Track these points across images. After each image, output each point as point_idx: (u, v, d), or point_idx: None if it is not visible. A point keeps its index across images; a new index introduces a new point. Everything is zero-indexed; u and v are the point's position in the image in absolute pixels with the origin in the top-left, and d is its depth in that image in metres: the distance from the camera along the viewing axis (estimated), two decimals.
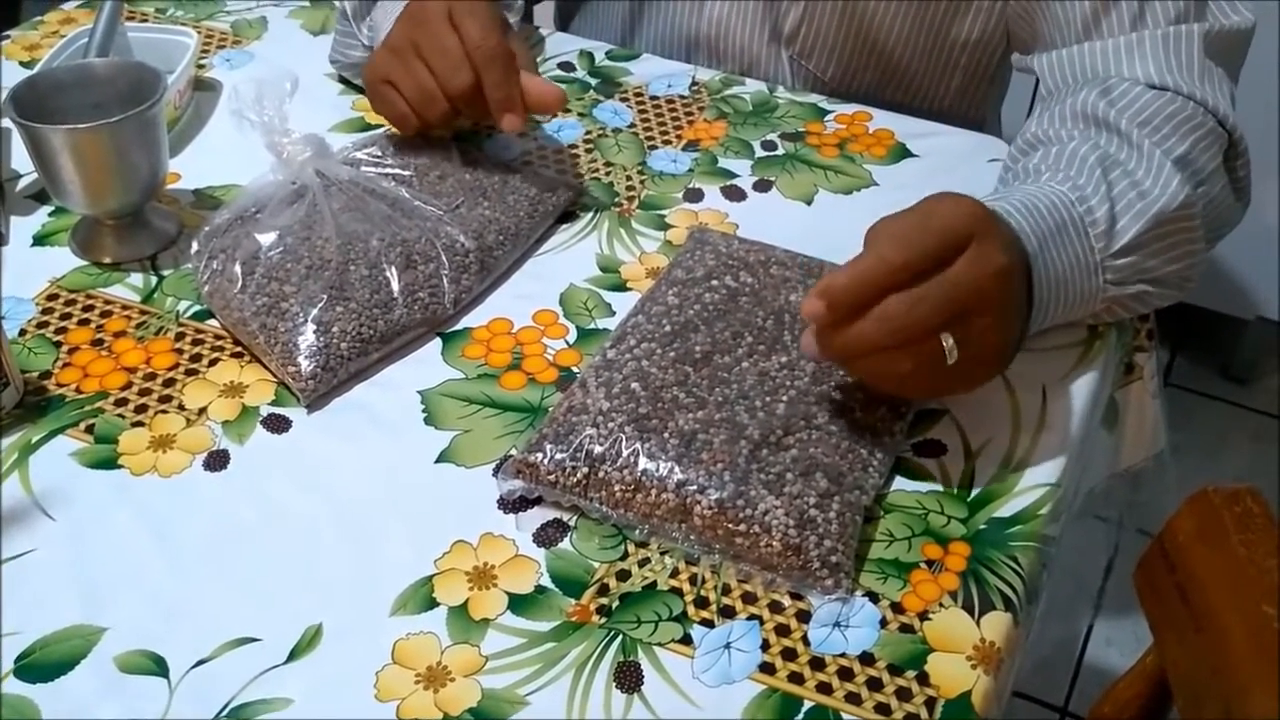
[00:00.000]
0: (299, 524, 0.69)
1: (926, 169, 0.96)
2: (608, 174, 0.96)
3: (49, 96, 0.83)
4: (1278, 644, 0.59)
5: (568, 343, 0.81)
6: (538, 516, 0.70)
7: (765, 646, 0.63)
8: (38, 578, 0.66)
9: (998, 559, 0.68)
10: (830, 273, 0.65)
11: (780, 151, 0.98)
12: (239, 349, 0.79)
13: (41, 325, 0.81)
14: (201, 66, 1.07)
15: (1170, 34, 0.86)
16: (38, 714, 0.60)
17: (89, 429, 0.74)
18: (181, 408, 0.75)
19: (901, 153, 0.98)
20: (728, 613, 0.65)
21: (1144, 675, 0.74)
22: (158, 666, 0.62)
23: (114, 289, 0.84)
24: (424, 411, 0.76)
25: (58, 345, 0.80)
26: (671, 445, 0.68)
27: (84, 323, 0.81)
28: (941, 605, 0.66)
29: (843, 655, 0.63)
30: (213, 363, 0.79)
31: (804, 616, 0.65)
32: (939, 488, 0.72)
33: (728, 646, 0.63)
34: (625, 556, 0.68)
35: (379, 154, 0.89)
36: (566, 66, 1.08)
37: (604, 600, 0.65)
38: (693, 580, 0.67)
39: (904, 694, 0.61)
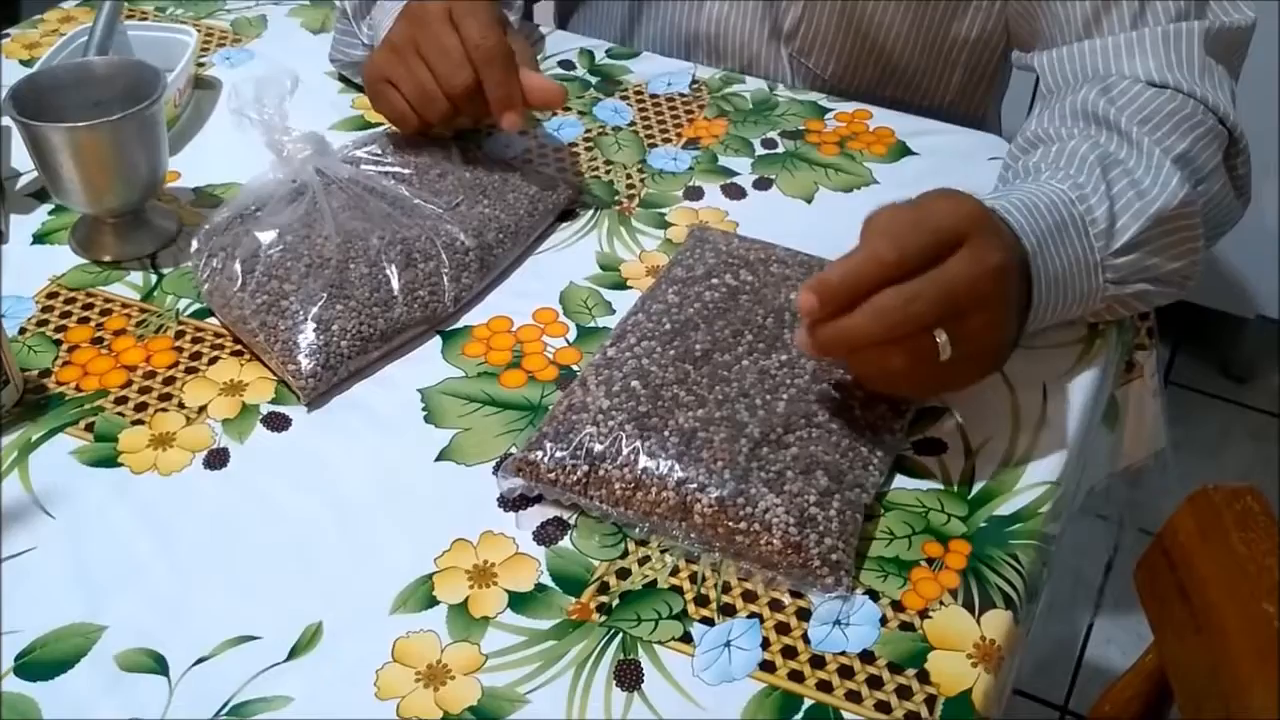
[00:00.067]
0: (299, 522, 0.69)
1: (927, 167, 0.96)
2: (608, 172, 0.96)
3: (49, 95, 0.83)
4: (1278, 643, 0.59)
5: (568, 341, 0.81)
6: (538, 515, 0.70)
7: (765, 644, 0.63)
8: (38, 576, 0.66)
9: (998, 557, 0.68)
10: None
11: (780, 149, 0.98)
12: (239, 347, 0.79)
13: (41, 323, 0.81)
14: (201, 65, 1.07)
15: (1171, 32, 0.86)
16: (38, 712, 0.60)
17: (89, 427, 0.74)
18: (181, 406, 0.75)
19: (901, 151, 0.98)
20: (728, 611, 0.65)
21: (1144, 674, 0.74)
22: (158, 665, 0.62)
23: (114, 287, 0.84)
24: (424, 410, 0.76)
25: (58, 343, 0.80)
26: (672, 443, 0.68)
27: (84, 321, 0.81)
28: (942, 603, 0.65)
29: (843, 653, 0.63)
30: (213, 361, 0.79)
31: (804, 614, 0.65)
32: (939, 486, 0.72)
33: (728, 644, 0.63)
34: (625, 555, 0.68)
35: (379, 152, 0.89)
36: (566, 65, 1.08)
37: (604, 598, 0.65)
38: (693, 578, 0.67)
39: (904, 692, 0.61)
